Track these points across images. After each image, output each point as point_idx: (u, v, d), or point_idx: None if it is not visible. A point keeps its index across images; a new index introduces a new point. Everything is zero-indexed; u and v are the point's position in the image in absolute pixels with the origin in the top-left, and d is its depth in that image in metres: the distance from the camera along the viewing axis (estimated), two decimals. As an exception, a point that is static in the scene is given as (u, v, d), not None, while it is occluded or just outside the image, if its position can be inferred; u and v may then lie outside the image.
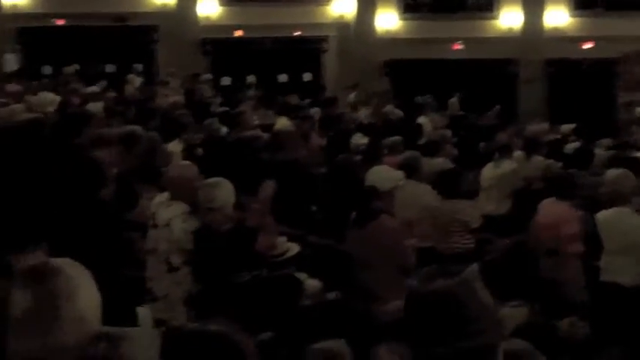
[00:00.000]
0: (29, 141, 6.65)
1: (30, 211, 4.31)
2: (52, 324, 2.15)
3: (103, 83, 14.78)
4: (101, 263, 2.95)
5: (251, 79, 17.35)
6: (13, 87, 12.47)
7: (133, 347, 2.24)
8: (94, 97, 12.20)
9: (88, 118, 8.47)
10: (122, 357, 2.23)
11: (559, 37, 20.55)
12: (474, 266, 2.29)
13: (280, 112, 12.07)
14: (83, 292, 2.23)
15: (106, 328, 2.31)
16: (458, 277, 2.27)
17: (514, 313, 4.13)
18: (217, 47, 20.25)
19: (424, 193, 7.80)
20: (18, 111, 9.54)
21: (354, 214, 6.43)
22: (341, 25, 20.47)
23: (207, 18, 20.39)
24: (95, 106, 10.43)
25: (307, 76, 20.21)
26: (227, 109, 11.93)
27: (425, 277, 2.33)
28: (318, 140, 9.73)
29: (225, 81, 17.91)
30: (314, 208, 8.03)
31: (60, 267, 2.24)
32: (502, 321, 2.48)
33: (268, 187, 5.97)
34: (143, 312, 5.15)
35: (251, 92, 14.51)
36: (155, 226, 5.63)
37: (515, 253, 6.02)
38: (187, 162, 6.68)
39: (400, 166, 7.76)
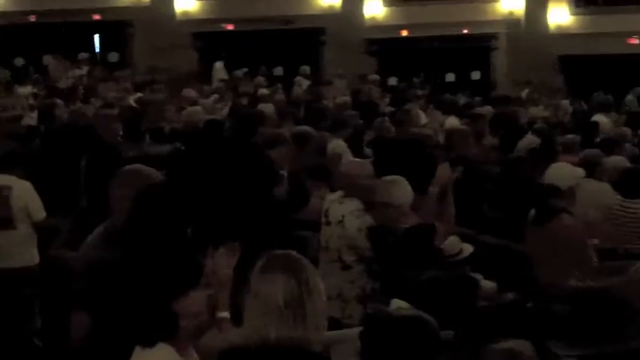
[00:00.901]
0: (211, 142, 6.86)
1: (225, 208, 4.42)
2: (307, 316, 2.13)
3: (260, 79, 15.05)
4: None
5: (418, 78, 17.26)
6: (189, 92, 12.93)
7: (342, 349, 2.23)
8: (264, 98, 12.46)
9: (261, 119, 8.67)
10: None
11: None
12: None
13: (449, 112, 11.91)
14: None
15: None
16: (623, 275, 2.12)
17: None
18: (383, 47, 20.29)
19: (604, 193, 7.47)
20: (195, 113, 9.91)
21: (532, 212, 6.24)
22: (511, 21, 20.01)
23: (373, 18, 20.47)
24: (265, 107, 10.64)
25: (475, 75, 19.90)
26: (394, 108, 11.88)
27: (586, 275, 2.19)
28: (490, 139, 9.51)
29: (392, 81, 17.90)
30: (485, 207, 7.87)
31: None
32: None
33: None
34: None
35: (419, 92, 14.41)
36: (328, 223, 5.64)
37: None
38: (361, 159, 6.70)
39: (580, 164, 7.47)
